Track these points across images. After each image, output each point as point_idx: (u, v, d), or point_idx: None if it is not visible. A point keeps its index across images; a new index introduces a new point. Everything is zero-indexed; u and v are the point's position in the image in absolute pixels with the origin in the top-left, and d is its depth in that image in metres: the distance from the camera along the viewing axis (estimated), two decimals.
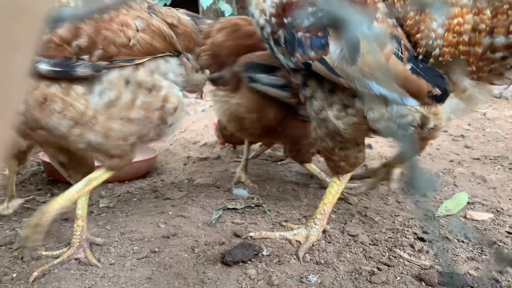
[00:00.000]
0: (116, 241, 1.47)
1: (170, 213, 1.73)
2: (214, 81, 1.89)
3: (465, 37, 1.13)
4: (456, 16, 1.13)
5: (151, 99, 1.32)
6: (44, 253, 1.38)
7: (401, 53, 1.16)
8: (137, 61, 1.28)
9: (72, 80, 1.20)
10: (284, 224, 1.64)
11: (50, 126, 1.21)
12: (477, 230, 1.66)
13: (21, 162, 1.83)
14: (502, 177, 2.24)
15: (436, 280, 1.28)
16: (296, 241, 1.50)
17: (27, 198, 1.89)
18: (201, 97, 5.18)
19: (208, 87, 1.94)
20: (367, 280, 1.30)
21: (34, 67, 1.13)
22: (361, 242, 1.52)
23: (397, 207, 1.88)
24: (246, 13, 1.98)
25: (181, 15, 1.49)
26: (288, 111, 1.85)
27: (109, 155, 1.32)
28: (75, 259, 1.34)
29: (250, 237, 1.52)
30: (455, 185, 2.15)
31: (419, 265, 1.39)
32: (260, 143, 2.65)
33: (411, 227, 1.65)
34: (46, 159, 2.02)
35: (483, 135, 3.11)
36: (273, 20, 1.29)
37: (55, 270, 1.30)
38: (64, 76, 1.18)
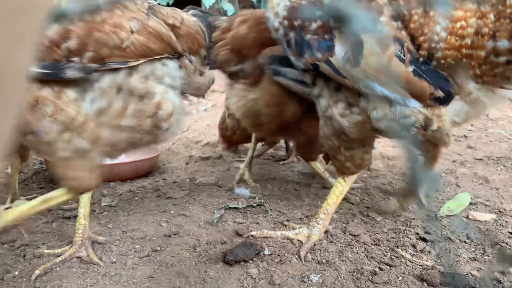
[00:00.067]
0: (118, 239, 1.47)
1: (172, 212, 1.73)
2: (233, 75, 1.86)
3: (468, 41, 1.14)
4: (460, 20, 1.14)
5: (143, 107, 1.29)
6: (46, 251, 1.39)
7: (404, 55, 1.18)
8: (131, 63, 1.25)
9: (64, 84, 1.19)
10: (286, 223, 1.64)
11: (40, 130, 1.20)
12: (480, 230, 1.65)
13: (24, 160, 1.83)
14: (505, 178, 2.24)
15: (438, 280, 1.28)
16: (298, 240, 1.50)
17: (29, 197, 1.90)
18: (203, 96, 5.17)
19: (225, 82, 1.92)
20: (368, 280, 1.29)
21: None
22: (363, 242, 1.52)
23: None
24: None
25: (186, 16, 1.47)
26: (306, 108, 1.81)
27: (85, 170, 1.29)
28: (77, 257, 1.35)
29: (252, 236, 1.52)
30: (458, 186, 2.14)
31: (421, 265, 1.38)
32: (262, 143, 2.65)
33: (413, 227, 1.65)
34: None
35: (486, 135, 3.09)
36: (285, 22, 1.35)
37: (57, 268, 1.30)
38: (54, 78, 1.16)
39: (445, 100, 1.23)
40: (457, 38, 1.15)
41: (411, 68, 1.19)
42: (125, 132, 1.29)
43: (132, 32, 1.25)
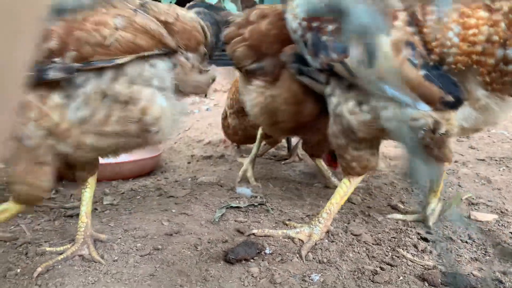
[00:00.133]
0: (120, 238, 1.48)
1: (173, 211, 1.74)
2: (251, 72, 1.81)
3: (479, 47, 1.17)
4: (472, 27, 1.17)
5: (127, 113, 1.26)
6: (48, 249, 1.39)
7: (415, 59, 1.22)
8: (117, 61, 1.22)
9: (48, 88, 1.17)
10: (287, 222, 1.65)
11: (23, 135, 1.18)
12: (482, 230, 1.65)
13: None
14: (507, 178, 2.23)
15: (439, 280, 1.28)
16: (299, 239, 1.50)
17: None
18: (206, 95, 5.18)
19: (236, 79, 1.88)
20: (369, 279, 1.29)
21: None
22: (364, 242, 1.52)
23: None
24: None
25: (182, 12, 1.42)
26: (323, 107, 1.76)
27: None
28: (79, 255, 1.35)
29: (253, 234, 1.52)
30: (460, 186, 2.14)
31: (422, 265, 1.38)
32: (264, 142, 2.65)
33: (414, 227, 1.65)
34: None
35: (488, 136, 3.09)
36: (304, 24, 1.41)
37: (59, 266, 1.30)
38: (37, 80, 1.14)
39: (454, 105, 1.26)
40: (468, 44, 1.18)
41: (422, 72, 1.22)
42: (110, 137, 1.27)
43: (116, 29, 1.22)
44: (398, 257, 1.43)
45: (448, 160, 1.64)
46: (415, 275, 1.33)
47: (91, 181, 1.45)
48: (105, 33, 1.20)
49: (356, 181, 1.54)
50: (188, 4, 1.62)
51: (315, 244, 1.48)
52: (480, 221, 1.74)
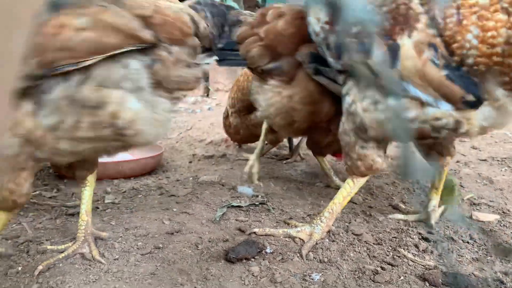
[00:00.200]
0: (121, 236, 1.48)
1: (174, 209, 1.74)
2: (266, 72, 1.80)
3: (499, 49, 1.21)
4: (491, 30, 1.21)
5: (97, 119, 1.19)
6: (49, 247, 1.39)
7: (437, 60, 1.26)
8: (84, 63, 1.15)
9: (19, 96, 1.14)
10: (288, 222, 1.65)
11: (1, 144, 1.16)
12: (482, 230, 1.64)
13: None
14: (509, 179, 2.23)
15: (440, 280, 1.27)
16: (300, 239, 1.50)
17: (33, 193, 1.91)
18: (207, 95, 5.18)
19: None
20: (370, 279, 1.29)
21: None
22: (365, 241, 1.52)
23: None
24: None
25: (164, 4, 1.32)
26: (339, 108, 1.73)
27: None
28: (80, 253, 1.35)
29: (254, 233, 1.52)
30: (462, 186, 2.14)
31: (423, 265, 1.38)
32: (265, 142, 2.65)
33: (415, 227, 1.65)
34: None
35: (491, 136, 3.08)
36: (326, 27, 1.47)
37: (60, 264, 1.31)
38: None
39: (475, 104, 1.30)
40: (488, 46, 1.22)
41: (444, 73, 1.27)
42: (86, 143, 1.23)
43: (80, 29, 1.15)
44: (399, 257, 1.43)
45: (451, 155, 1.65)
46: (416, 275, 1.32)
47: (91, 179, 1.45)
48: (67, 36, 1.13)
49: (360, 182, 1.54)
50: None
51: (316, 243, 1.48)
52: (482, 221, 1.74)
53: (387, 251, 1.47)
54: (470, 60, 1.25)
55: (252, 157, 2.21)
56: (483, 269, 1.37)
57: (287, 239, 1.51)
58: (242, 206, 1.79)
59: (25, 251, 1.39)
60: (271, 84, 1.80)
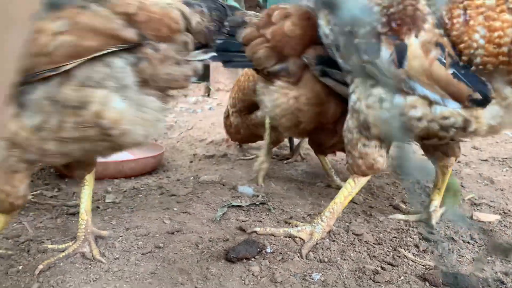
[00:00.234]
0: (121, 236, 1.48)
1: (175, 209, 1.74)
2: (273, 74, 1.79)
3: (505, 49, 1.23)
4: (497, 30, 1.23)
5: (80, 119, 1.16)
6: (50, 246, 1.40)
7: (444, 59, 1.28)
8: (63, 68, 1.11)
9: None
10: (289, 221, 1.65)
11: None
12: (483, 230, 1.64)
13: None
14: (510, 179, 2.22)
15: (440, 280, 1.27)
16: (300, 238, 1.50)
17: (34, 193, 1.91)
18: (209, 95, 5.18)
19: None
20: (370, 279, 1.29)
21: None
22: (365, 241, 1.52)
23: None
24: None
25: (152, 0, 1.27)
26: (345, 109, 1.73)
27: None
28: (80, 253, 1.36)
29: (255, 232, 1.51)
30: (462, 186, 2.13)
31: (423, 265, 1.38)
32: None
33: (416, 227, 1.65)
34: None
35: (492, 136, 3.08)
36: (336, 29, 1.48)
37: (61, 264, 1.31)
38: None
39: (482, 102, 1.30)
40: (494, 46, 1.23)
41: (451, 71, 1.28)
42: (73, 143, 1.20)
43: (57, 33, 1.11)
44: (399, 257, 1.42)
45: (456, 155, 1.66)
46: (416, 275, 1.32)
47: (89, 178, 1.45)
48: (43, 41, 1.10)
49: (361, 181, 1.54)
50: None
51: (316, 243, 1.48)
52: (483, 221, 1.73)
53: (388, 251, 1.47)
54: (477, 60, 1.26)
55: (262, 153, 2.20)
56: (484, 269, 1.37)
57: (287, 239, 1.51)
58: (242, 206, 1.79)
59: (26, 250, 1.39)
60: (278, 85, 1.80)
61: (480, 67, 1.27)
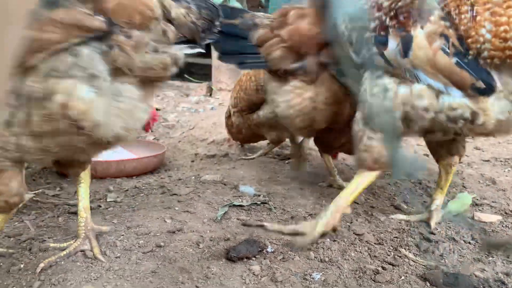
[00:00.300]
0: (122, 235, 1.49)
1: (176, 208, 1.74)
2: (290, 73, 1.79)
3: (511, 43, 1.25)
4: (503, 24, 1.25)
5: (46, 111, 1.12)
6: (51, 245, 1.40)
7: (448, 48, 1.32)
8: (26, 64, 1.07)
9: None
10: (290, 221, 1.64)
11: None
12: (484, 230, 1.64)
13: None
14: None
15: (441, 280, 1.27)
16: (304, 232, 1.48)
17: (36, 192, 1.92)
18: (210, 95, 5.18)
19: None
20: (371, 279, 1.29)
21: None
22: (366, 241, 1.52)
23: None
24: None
25: None
26: None
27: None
28: (81, 251, 1.36)
29: (262, 227, 1.47)
30: (464, 187, 2.13)
31: (424, 265, 1.38)
32: (267, 141, 2.66)
33: (417, 227, 1.64)
34: None
35: (502, 136, 3.07)
36: (350, 26, 1.53)
37: (62, 262, 1.31)
38: None
39: (485, 91, 1.32)
40: (500, 40, 1.26)
41: (454, 60, 1.31)
42: (47, 138, 1.17)
43: None
44: (400, 256, 1.42)
45: (460, 154, 1.66)
46: (417, 275, 1.32)
47: (84, 176, 1.44)
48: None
49: (367, 177, 1.50)
50: None
51: (318, 240, 1.46)
52: (484, 222, 1.73)
53: (388, 251, 1.46)
54: (485, 54, 1.29)
55: (296, 145, 2.23)
56: (485, 270, 1.37)
57: (288, 238, 1.51)
58: (243, 206, 1.79)
59: (28, 248, 1.39)
60: (292, 85, 1.80)
61: (488, 60, 1.29)
